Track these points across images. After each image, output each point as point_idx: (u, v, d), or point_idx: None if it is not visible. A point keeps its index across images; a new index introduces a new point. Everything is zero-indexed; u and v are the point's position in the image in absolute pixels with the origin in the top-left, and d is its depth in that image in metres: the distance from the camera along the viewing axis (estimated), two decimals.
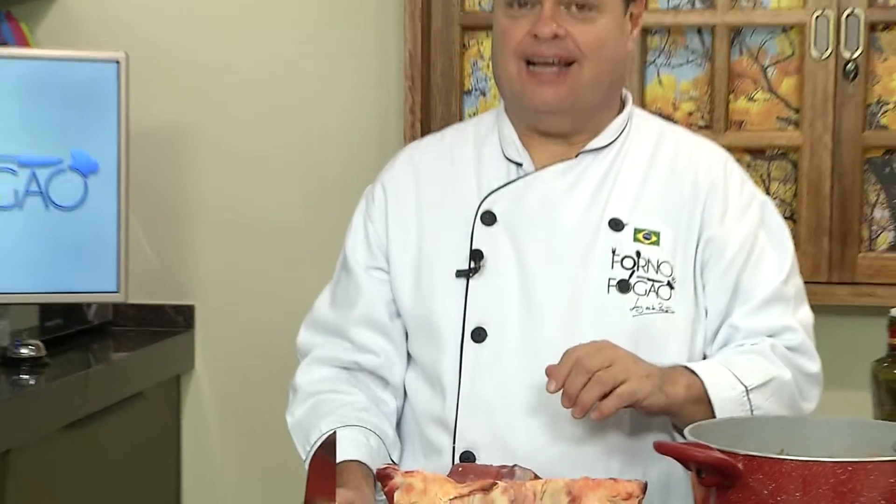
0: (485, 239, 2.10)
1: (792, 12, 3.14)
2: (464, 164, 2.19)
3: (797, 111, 3.16)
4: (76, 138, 2.95)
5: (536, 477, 1.85)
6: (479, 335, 2.08)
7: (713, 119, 3.18)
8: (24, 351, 2.89)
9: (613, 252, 2.08)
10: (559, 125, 2.12)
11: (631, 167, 2.14)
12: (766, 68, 3.18)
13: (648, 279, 2.08)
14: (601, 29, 2.05)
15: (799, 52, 3.15)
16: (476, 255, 2.09)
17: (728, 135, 3.14)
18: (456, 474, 1.86)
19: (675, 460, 1.66)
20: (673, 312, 2.07)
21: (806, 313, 2.16)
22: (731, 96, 3.19)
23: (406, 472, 1.81)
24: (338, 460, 1.87)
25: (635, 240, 2.09)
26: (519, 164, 2.14)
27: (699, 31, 3.20)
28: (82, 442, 2.89)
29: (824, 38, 3.10)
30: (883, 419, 2.09)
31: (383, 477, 1.81)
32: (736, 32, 3.18)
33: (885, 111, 3.15)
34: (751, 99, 3.19)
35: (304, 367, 2.21)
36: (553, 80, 2.06)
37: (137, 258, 3.17)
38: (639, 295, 2.07)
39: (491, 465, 1.92)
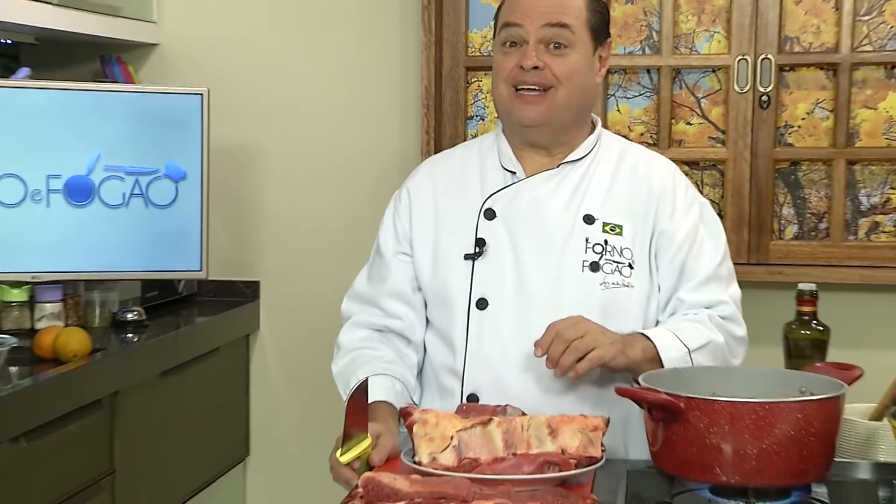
0: (487, 230, 2.12)
1: (719, 57, 3.14)
2: (470, 173, 2.19)
3: (724, 132, 3.16)
4: (169, 153, 2.97)
5: (524, 414, 1.88)
6: (482, 304, 2.10)
7: (659, 138, 3.18)
8: (129, 315, 2.93)
9: (586, 240, 2.09)
10: (540, 137, 2.13)
11: (600, 175, 2.15)
12: (700, 100, 3.18)
13: (614, 261, 2.09)
14: (572, 63, 2.08)
15: (725, 87, 3.14)
16: (480, 243, 2.11)
17: (671, 150, 3.12)
18: (461, 412, 1.90)
19: (632, 402, 1.69)
20: (633, 287, 2.09)
21: (735, 290, 2.18)
22: (673, 121, 3.18)
23: (422, 410, 1.83)
24: (370, 401, 1.91)
25: (604, 231, 2.10)
26: (513, 173, 2.15)
27: (648, 71, 3.19)
28: (173, 385, 2.93)
29: (744, 76, 3.11)
30: (791, 369, 2.15)
31: (405, 414, 1.84)
32: (676, 72, 3.17)
33: (791, 132, 3.15)
34: (688, 123, 3.19)
35: (345, 329, 2.23)
36: (535, 101, 2.08)
37: (215, 245, 3.18)
38: (606, 273, 2.08)
39: (488, 405, 1.95)
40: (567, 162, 2.15)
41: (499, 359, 2.08)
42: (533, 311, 2.07)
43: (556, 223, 2.11)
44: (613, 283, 2.09)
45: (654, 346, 2.00)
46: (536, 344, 1.94)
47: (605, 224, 2.11)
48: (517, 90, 2.09)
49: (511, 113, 2.12)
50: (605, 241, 2.10)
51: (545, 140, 2.14)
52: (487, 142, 2.24)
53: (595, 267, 2.09)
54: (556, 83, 2.07)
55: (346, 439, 1.81)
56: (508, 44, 2.10)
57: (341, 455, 1.80)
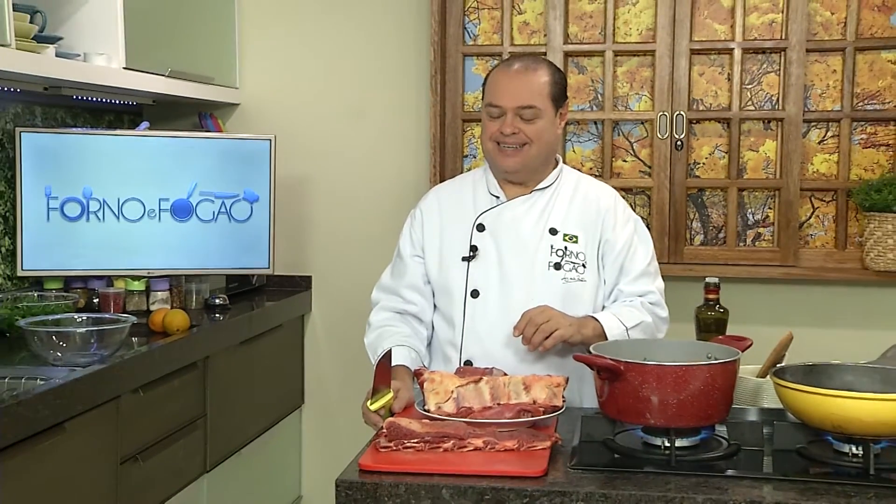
0: (478, 239, 2.11)
1: (646, 112, 3.13)
2: (466, 196, 2.18)
3: (650, 167, 3.15)
4: (247, 182, 2.96)
5: (505, 375, 1.88)
6: (475, 294, 2.09)
7: (603, 171, 3.17)
8: (217, 301, 2.92)
9: (551, 247, 2.09)
10: (517, 177, 2.13)
11: (561, 199, 2.14)
12: (633, 143, 3.17)
13: (572, 262, 2.09)
14: (540, 126, 2.06)
15: (650, 134, 3.14)
16: (473, 248, 2.10)
17: (612, 180, 3.11)
18: (459, 373, 1.90)
19: (586, 365, 1.68)
20: (586, 281, 2.09)
21: (660, 283, 2.18)
22: (613, 159, 3.18)
23: (430, 372, 1.85)
24: (392, 365, 1.93)
25: (564, 240, 2.10)
26: (497, 197, 2.14)
27: (595, 122, 3.18)
28: (248, 352, 2.92)
29: (664, 127, 3.10)
30: (700, 340, 2.12)
31: (417, 374, 1.86)
32: (615, 123, 3.16)
33: (698, 167, 3.15)
34: (624, 160, 3.18)
35: (374, 312, 2.22)
36: (513, 154, 2.07)
37: (279, 249, 3.16)
38: (566, 271, 2.08)
39: (479, 368, 1.95)
40: (537, 189, 2.14)
41: (487, 335, 2.07)
42: (512, 299, 2.06)
43: (529, 234, 2.10)
44: (571, 279, 2.08)
45: (601, 326, 2.01)
46: (514, 327, 1.97)
47: (565, 234, 2.10)
48: (499, 145, 2.08)
49: (495, 162, 2.12)
50: (565, 248, 2.09)
51: (521, 178, 2.14)
52: (478, 174, 2.22)
53: (558, 266, 2.08)
54: (528, 141, 2.06)
55: (375, 393, 1.81)
56: (494, 113, 2.08)
57: (371, 404, 1.81)
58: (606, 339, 1.98)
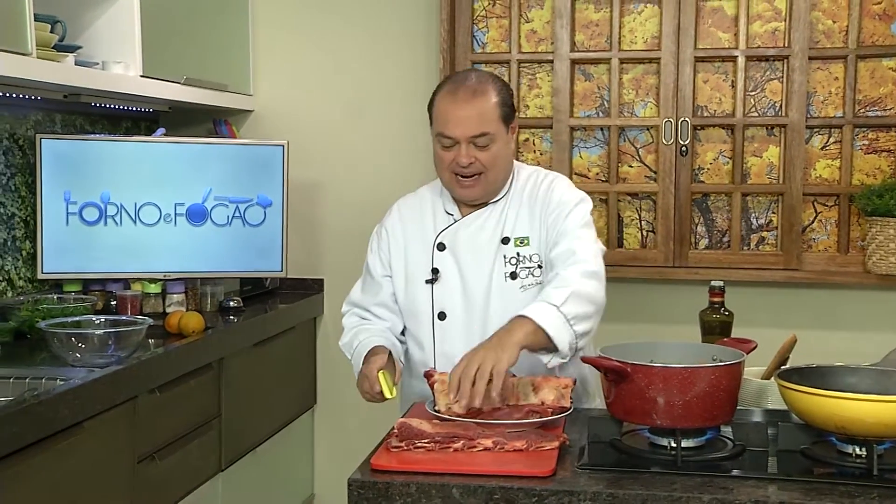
0: (439, 260, 2.03)
1: (651, 119, 3.13)
2: (426, 212, 2.09)
3: (655, 173, 3.15)
4: (260, 187, 2.96)
5: (514, 376, 1.82)
6: (442, 317, 2.03)
7: (609, 177, 3.16)
8: (231, 303, 2.93)
9: (504, 257, 2.00)
10: (474, 201, 2.03)
11: (513, 205, 2.03)
12: (638, 149, 3.17)
13: (525, 267, 1.99)
14: (494, 151, 1.95)
15: (655, 140, 3.14)
16: (435, 271, 2.03)
17: (617, 185, 3.14)
18: None
19: (593, 367, 1.66)
20: (543, 283, 1.96)
21: (593, 246, 1.95)
22: (619, 164, 3.17)
23: (441, 373, 1.81)
24: (369, 348, 1.95)
25: (515, 246, 2.00)
26: (451, 214, 2.06)
27: (601, 129, 3.18)
28: (262, 353, 2.91)
29: (669, 133, 3.10)
30: (705, 343, 2.07)
31: (427, 375, 1.82)
32: (621, 130, 3.16)
33: (702, 173, 3.14)
34: (630, 166, 3.18)
35: (345, 317, 2.15)
36: (472, 185, 1.98)
37: (292, 252, 3.15)
38: (522, 279, 1.99)
39: None
40: (491, 203, 2.05)
41: (458, 356, 1.85)
42: (476, 317, 2.00)
43: (484, 249, 2.02)
44: (529, 285, 1.98)
45: (531, 320, 1.77)
46: (451, 394, 1.72)
47: (516, 239, 2.01)
48: (457, 176, 1.98)
49: (453, 191, 2.03)
50: (518, 254, 2.00)
51: (478, 202, 2.05)
52: (436, 189, 2.11)
53: (514, 276, 1.99)
54: (484, 170, 1.96)
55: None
56: (446, 143, 1.96)
57: (388, 393, 1.83)
58: (544, 329, 1.76)
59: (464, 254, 2.02)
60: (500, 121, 1.96)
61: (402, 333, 2.10)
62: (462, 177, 1.97)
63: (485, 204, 2.04)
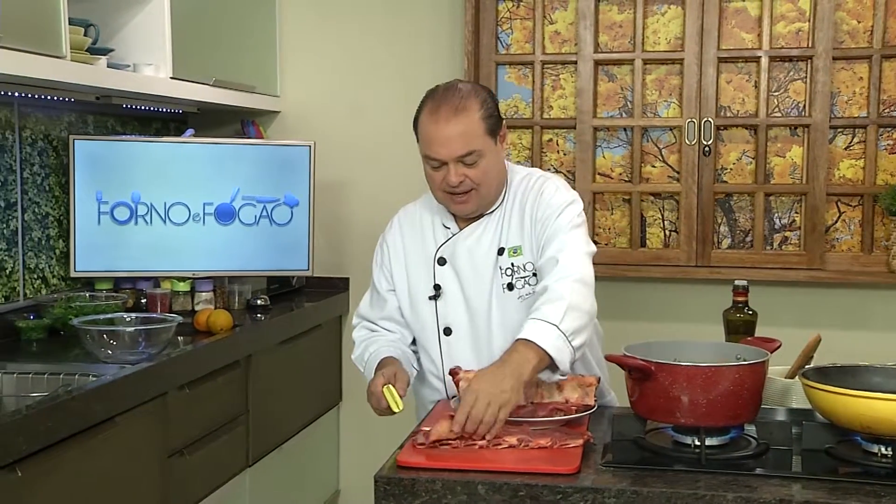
0: (441, 275, 1.99)
1: (674, 119, 3.12)
2: (425, 224, 2.04)
3: (678, 173, 3.13)
4: (287, 187, 2.97)
5: None
6: (447, 332, 1.99)
7: (632, 177, 3.15)
8: (258, 301, 2.93)
9: (500, 268, 1.95)
10: (470, 215, 1.98)
11: (507, 214, 1.98)
12: (661, 149, 3.16)
13: (522, 278, 1.94)
14: (484, 167, 1.89)
15: (678, 140, 3.12)
16: (437, 287, 1.99)
17: (640, 185, 3.13)
18: None
19: (617, 365, 1.65)
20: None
21: (582, 246, 1.89)
22: (642, 164, 3.16)
23: (465, 371, 1.79)
24: (378, 359, 1.93)
25: (509, 256, 1.95)
26: (449, 228, 2.00)
27: (625, 129, 3.17)
28: (289, 351, 2.93)
29: (692, 133, 3.09)
30: (729, 342, 2.05)
31: (453, 373, 1.80)
32: (644, 130, 3.15)
33: (725, 173, 3.13)
34: (653, 166, 3.16)
35: (356, 330, 2.12)
36: (464, 200, 1.92)
37: (318, 251, 3.16)
38: (519, 289, 1.94)
39: None
40: (486, 214, 1.99)
41: (466, 367, 1.88)
42: (481, 330, 1.96)
43: (483, 261, 1.97)
44: (527, 294, 1.93)
45: (534, 344, 1.72)
46: (464, 433, 1.64)
47: (509, 249, 1.95)
48: (449, 193, 1.93)
49: (448, 207, 1.98)
50: (512, 264, 1.95)
51: (473, 215, 1.99)
52: (434, 204, 2.03)
53: (511, 287, 1.94)
54: (476, 186, 1.90)
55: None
56: (433, 165, 1.91)
57: (395, 407, 1.81)
58: (548, 353, 1.72)
59: (463, 267, 1.98)
60: (486, 135, 1.89)
61: (413, 343, 2.07)
62: (455, 194, 1.92)
63: (481, 215, 1.99)
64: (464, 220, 2.00)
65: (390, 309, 2.05)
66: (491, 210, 1.99)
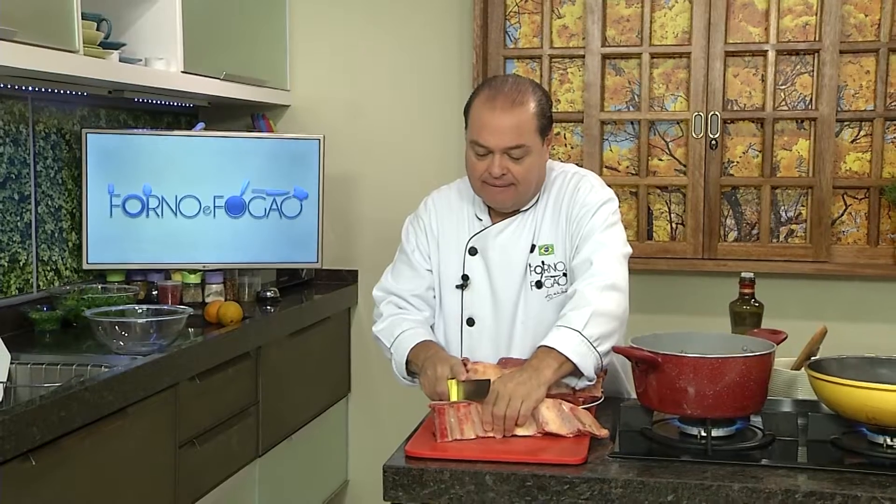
0: (470, 266, 1.97)
1: (681, 113, 3.10)
2: (457, 210, 2.01)
3: (685, 166, 3.12)
4: (296, 180, 2.97)
5: None
6: (471, 322, 1.97)
7: (639, 170, 3.14)
8: (268, 294, 2.92)
9: (531, 265, 1.94)
10: (505, 209, 1.96)
11: (543, 211, 1.96)
12: (668, 143, 3.15)
13: (552, 277, 1.93)
14: (529, 164, 1.87)
15: (685, 134, 3.11)
16: (465, 278, 1.97)
17: (647, 178, 3.12)
18: (501, 363, 1.85)
19: (624, 357, 1.67)
20: (567, 292, 1.88)
21: (617, 249, 1.89)
22: (649, 158, 3.15)
23: (473, 363, 1.80)
24: (415, 341, 1.89)
25: (540, 254, 1.93)
26: (481, 220, 1.98)
27: (632, 122, 3.16)
28: (298, 342, 2.92)
29: (699, 126, 3.08)
30: (735, 334, 2.04)
31: (463, 363, 1.78)
32: (651, 123, 3.14)
33: (732, 166, 3.11)
34: (660, 159, 3.15)
35: (384, 304, 2.05)
36: (502, 192, 1.89)
37: (327, 244, 3.17)
38: (548, 288, 1.92)
39: (520, 358, 1.85)
40: (522, 211, 1.97)
41: (484, 360, 1.90)
42: (504, 325, 1.95)
43: (514, 257, 1.95)
44: (555, 293, 1.92)
45: (557, 351, 1.72)
46: (494, 431, 1.66)
47: (541, 247, 1.93)
48: (487, 182, 1.90)
49: (484, 197, 1.96)
50: (542, 262, 1.93)
51: (509, 210, 1.97)
52: (469, 191, 2.00)
53: (539, 285, 1.93)
54: (516, 182, 1.87)
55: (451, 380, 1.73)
56: (478, 152, 1.88)
57: (456, 388, 1.71)
58: (570, 360, 1.73)
59: (494, 261, 1.96)
60: (536, 133, 1.87)
61: (432, 328, 2.04)
62: (494, 186, 1.89)
63: (516, 211, 1.97)
64: (498, 215, 1.98)
65: (424, 287, 2.01)
66: (525, 208, 1.96)
